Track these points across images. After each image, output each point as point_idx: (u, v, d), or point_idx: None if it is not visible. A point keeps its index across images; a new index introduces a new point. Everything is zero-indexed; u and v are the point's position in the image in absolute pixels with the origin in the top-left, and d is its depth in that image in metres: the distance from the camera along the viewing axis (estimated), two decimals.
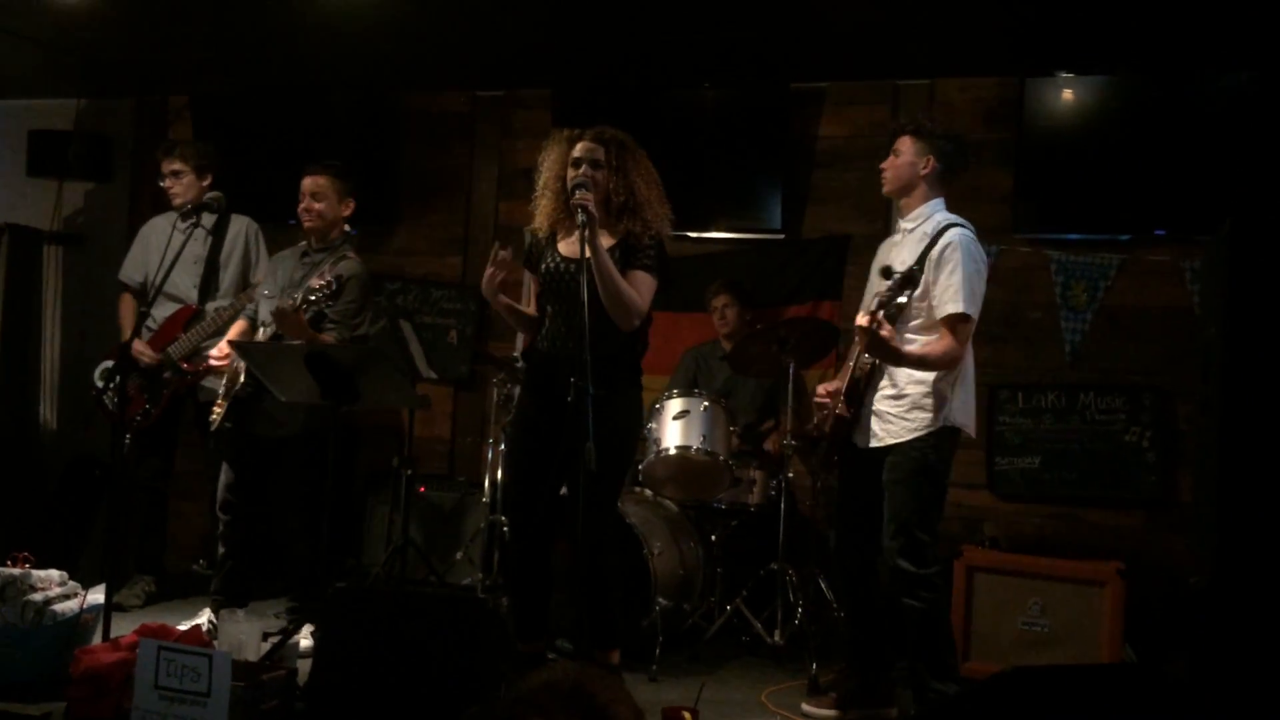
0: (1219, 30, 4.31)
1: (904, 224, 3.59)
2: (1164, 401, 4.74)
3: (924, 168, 3.52)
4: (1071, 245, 4.88)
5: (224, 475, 4.31)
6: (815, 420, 3.74)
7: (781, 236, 5.24)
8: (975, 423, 3.58)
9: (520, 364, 4.67)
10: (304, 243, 4.34)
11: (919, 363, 3.36)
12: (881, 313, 3.27)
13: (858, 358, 3.48)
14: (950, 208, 4.92)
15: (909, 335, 3.40)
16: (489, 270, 3.49)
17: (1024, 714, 2.43)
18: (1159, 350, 4.76)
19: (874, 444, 3.48)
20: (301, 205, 4.25)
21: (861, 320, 3.26)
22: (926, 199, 3.54)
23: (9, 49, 5.35)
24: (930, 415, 3.41)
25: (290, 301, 3.91)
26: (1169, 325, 4.74)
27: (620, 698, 1.52)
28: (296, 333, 3.90)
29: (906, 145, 3.53)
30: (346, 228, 4.37)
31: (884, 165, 3.61)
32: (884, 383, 3.48)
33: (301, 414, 4.03)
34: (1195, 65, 4.63)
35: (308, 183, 4.25)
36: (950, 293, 3.33)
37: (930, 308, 3.38)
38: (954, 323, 3.34)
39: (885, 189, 3.63)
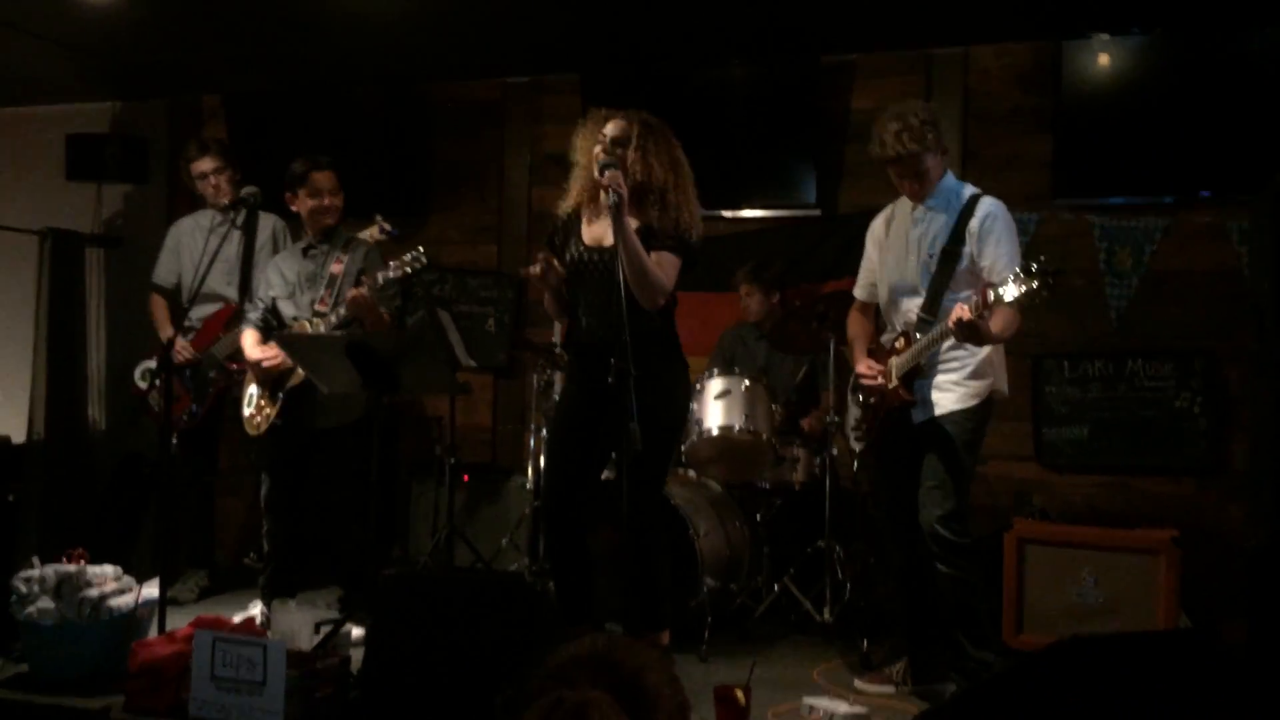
0: None
1: (925, 201, 3.50)
2: (1214, 366, 4.65)
3: (943, 153, 3.49)
4: (1114, 210, 4.80)
5: (268, 474, 4.34)
6: (862, 397, 3.70)
7: (817, 212, 5.19)
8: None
9: (560, 349, 4.68)
10: (301, 241, 4.37)
11: (1000, 339, 3.35)
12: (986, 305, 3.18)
13: (929, 343, 3.38)
14: (989, 175, 4.89)
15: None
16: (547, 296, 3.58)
17: (1082, 682, 2.40)
18: (1207, 313, 4.68)
19: (935, 413, 3.45)
20: (324, 202, 4.26)
21: (967, 315, 3.15)
22: (943, 176, 3.52)
23: (45, 55, 5.41)
24: (985, 383, 3.45)
25: (364, 289, 3.97)
26: (1217, 288, 4.66)
27: (650, 664, 1.50)
28: (373, 316, 4.00)
29: (924, 160, 3.41)
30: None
31: (910, 190, 3.49)
32: (941, 354, 3.44)
33: (356, 401, 4.05)
34: (1235, 21, 4.53)
35: (325, 179, 4.26)
36: (1004, 263, 3.31)
37: (979, 279, 3.35)
38: None
39: (919, 200, 3.52)
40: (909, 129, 3.37)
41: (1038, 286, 3.02)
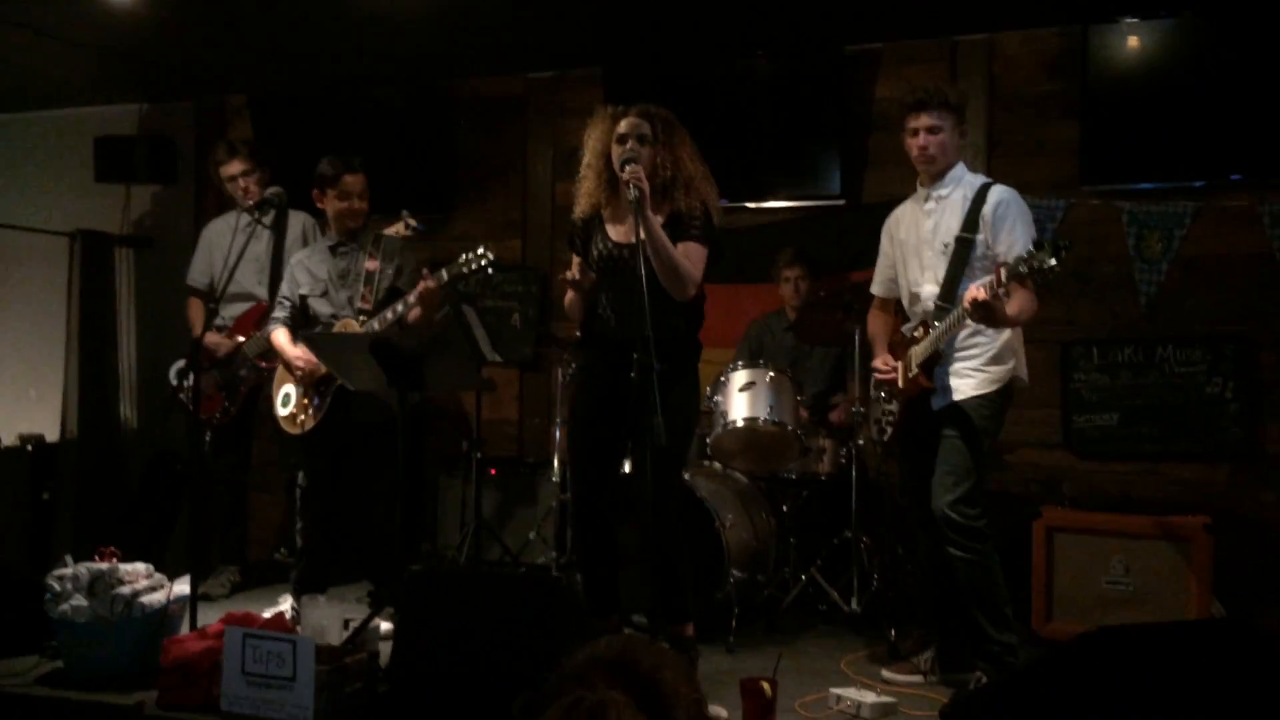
0: None
1: (937, 191, 3.54)
2: (1246, 351, 4.59)
3: (962, 136, 3.52)
4: (1143, 195, 4.74)
5: (308, 472, 4.35)
6: (885, 391, 3.70)
7: (841, 202, 5.17)
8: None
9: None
10: (328, 238, 4.37)
11: (1016, 322, 3.36)
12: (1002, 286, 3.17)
13: (946, 328, 3.40)
14: (1016, 162, 4.85)
15: None
16: (570, 295, 3.56)
17: (1112, 674, 2.38)
18: (1239, 299, 4.61)
19: (955, 397, 3.46)
20: (353, 205, 4.24)
21: (982, 294, 3.15)
22: (955, 164, 3.54)
23: (73, 58, 5.47)
24: (1005, 368, 3.47)
25: (437, 280, 3.99)
26: (1248, 272, 4.59)
27: (667, 663, 1.52)
28: (434, 309, 4.07)
29: (947, 120, 3.46)
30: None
31: (922, 144, 3.49)
32: (960, 341, 3.46)
33: (393, 397, 4.03)
34: (1264, 2, 4.46)
35: (355, 181, 4.24)
36: (1019, 247, 3.30)
37: (995, 266, 3.33)
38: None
39: (930, 169, 3.52)
40: (936, 85, 3.56)
41: (1054, 263, 2.99)
